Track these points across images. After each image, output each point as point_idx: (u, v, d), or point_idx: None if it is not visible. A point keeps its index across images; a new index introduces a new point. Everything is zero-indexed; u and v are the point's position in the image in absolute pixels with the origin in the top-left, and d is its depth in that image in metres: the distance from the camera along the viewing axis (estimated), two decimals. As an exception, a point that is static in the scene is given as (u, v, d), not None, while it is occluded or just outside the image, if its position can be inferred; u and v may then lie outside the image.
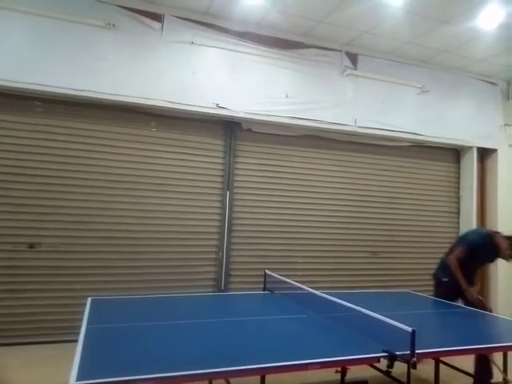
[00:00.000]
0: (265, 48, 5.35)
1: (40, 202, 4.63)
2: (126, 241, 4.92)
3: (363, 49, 5.84)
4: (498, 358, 3.42)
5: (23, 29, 4.40)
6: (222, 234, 5.33)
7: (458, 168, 6.78)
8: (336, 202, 5.95)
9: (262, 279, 4.35)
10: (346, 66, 5.77)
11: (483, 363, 3.53)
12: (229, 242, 5.34)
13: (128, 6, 4.76)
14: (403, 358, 2.25)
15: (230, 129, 5.44)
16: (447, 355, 2.82)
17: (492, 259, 4.34)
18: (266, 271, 4.35)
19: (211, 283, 5.27)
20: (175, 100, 4.89)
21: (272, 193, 5.61)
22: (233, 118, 5.26)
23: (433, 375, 3.27)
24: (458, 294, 4.10)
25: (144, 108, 4.95)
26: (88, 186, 4.81)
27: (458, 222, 6.67)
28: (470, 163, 6.57)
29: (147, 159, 5.06)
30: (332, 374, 3.15)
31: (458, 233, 6.63)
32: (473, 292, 3.98)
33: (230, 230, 5.35)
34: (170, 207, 5.12)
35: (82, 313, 2.95)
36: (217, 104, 5.08)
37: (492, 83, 6.69)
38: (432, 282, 4.49)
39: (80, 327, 2.60)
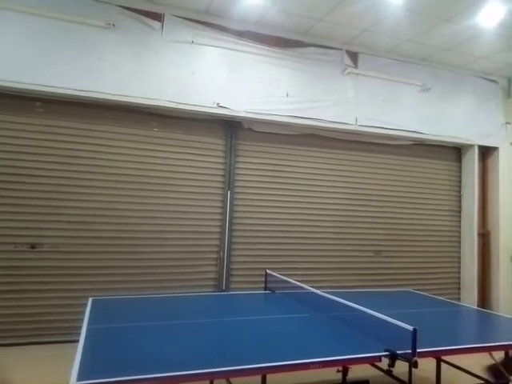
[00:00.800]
0: (265, 47, 5.35)
1: (41, 203, 4.64)
2: (127, 241, 4.92)
3: (364, 47, 5.83)
4: (499, 356, 3.41)
5: (24, 29, 4.40)
6: (223, 233, 5.32)
7: (460, 166, 6.76)
8: (337, 201, 5.94)
9: (263, 279, 4.35)
10: (346, 65, 5.76)
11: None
12: (230, 242, 5.34)
13: (128, 5, 4.76)
14: (405, 357, 2.24)
15: (230, 128, 5.44)
16: (449, 354, 2.81)
17: None
18: (267, 271, 4.35)
19: (212, 283, 5.27)
20: (176, 100, 4.89)
21: (273, 192, 5.61)
22: (233, 117, 5.25)
23: (434, 374, 3.27)
24: None
25: (144, 108, 4.95)
26: (89, 187, 4.81)
27: (460, 221, 6.66)
28: (472, 161, 6.56)
29: (148, 159, 5.06)
30: (333, 373, 3.15)
31: (459, 231, 6.64)
32: None
33: (230, 230, 5.35)
34: (170, 207, 5.12)
35: (83, 313, 2.95)
36: (217, 103, 5.07)
37: (493, 81, 6.67)
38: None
39: (81, 327, 2.60)
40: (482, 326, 3.50)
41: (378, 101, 5.90)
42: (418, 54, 6.01)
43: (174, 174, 5.16)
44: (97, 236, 4.81)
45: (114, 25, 4.68)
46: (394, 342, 2.34)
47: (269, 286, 4.27)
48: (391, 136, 6.09)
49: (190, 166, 5.24)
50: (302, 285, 3.79)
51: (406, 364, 2.33)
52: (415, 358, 2.21)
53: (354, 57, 5.82)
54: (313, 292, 3.56)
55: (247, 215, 5.47)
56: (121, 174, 4.94)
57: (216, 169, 5.37)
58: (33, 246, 4.59)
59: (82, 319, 2.80)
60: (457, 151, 6.76)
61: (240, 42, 5.23)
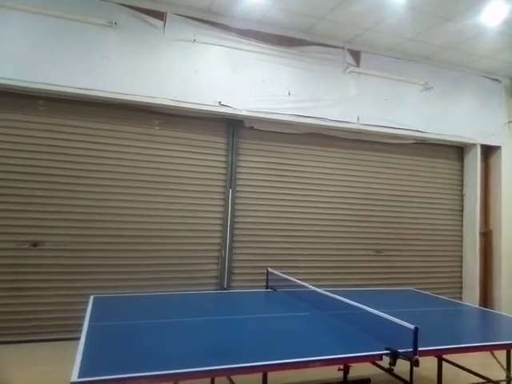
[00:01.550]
0: (267, 45, 5.34)
1: (43, 201, 4.65)
2: (128, 239, 4.93)
3: (366, 46, 5.81)
4: (501, 355, 3.40)
5: (26, 28, 4.41)
6: (224, 231, 5.33)
7: (462, 165, 6.75)
8: (339, 200, 5.94)
9: (265, 277, 4.35)
10: (348, 64, 5.75)
11: None
12: (231, 240, 5.34)
13: (130, 4, 4.76)
14: (406, 356, 2.24)
15: (232, 127, 5.44)
16: (450, 353, 2.80)
17: None
18: (269, 269, 4.35)
19: (214, 281, 5.28)
20: (178, 98, 4.89)
21: (275, 191, 5.61)
22: (235, 115, 5.25)
23: (435, 373, 3.27)
24: None
25: (147, 106, 4.95)
26: (91, 185, 4.82)
27: (462, 220, 6.65)
28: (474, 161, 6.55)
29: (150, 157, 5.07)
30: (335, 371, 3.16)
31: (461, 230, 6.63)
32: None
33: (232, 228, 5.35)
34: (172, 205, 5.12)
35: (85, 311, 2.96)
36: (219, 102, 5.07)
37: (496, 80, 6.65)
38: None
39: (82, 325, 2.61)
40: (483, 324, 3.49)
41: (380, 100, 5.89)
42: (421, 53, 6.00)
43: (176, 172, 5.17)
44: (98, 234, 4.82)
45: (116, 23, 4.68)
46: (395, 340, 2.34)
47: (270, 284, 4.28)
48: (393, 135, 6.08)
49: (191, 165, 5.24)
50: (304, 283, 3.79)
51: (408, 363, 2.33)
52: (416, 356, 2.21)
53: (356, 55, 5.81)
54: (314, 290, 3.56)
55: (249, 214, 5.47)
56: (122, 173, 4.95)
57: (218, 167, 5.37)
58: (35, 244, 4.60)
59: (84, 317, 2.80)
60: (459, 150, 6.74)
61: (242, 40, 5.23)
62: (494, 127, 6.57)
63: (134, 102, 4.80)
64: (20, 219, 4.55)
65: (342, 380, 3.34)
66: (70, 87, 4.51)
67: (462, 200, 6.69)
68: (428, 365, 2.94)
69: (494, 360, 3.22)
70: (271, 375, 2.38)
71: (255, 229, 5.49)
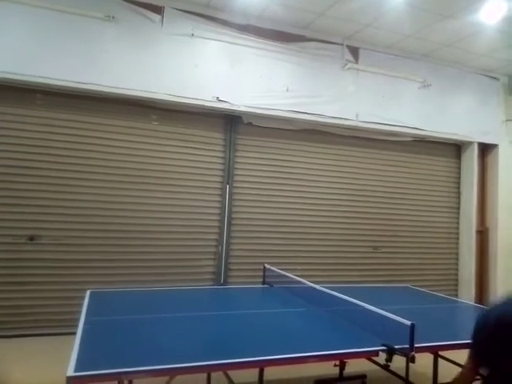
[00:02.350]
0: (265, 41, 5.32)
1: (40, 195, 4.63)
2: (125, 234, 4.92)
3: (364, 42, 5.80)
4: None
5: (23, 21, 4.37)
6: (221, 227, 5.32)
7: (459, 163, 6.76)
8: (336, 197, 5.94)
9: (262, 273, 4.35)
10: (347, 60, 5.74)
11: None
12: (228, 236, 5.34)
13: (128, -3, 4.74)
14: (402, 352, 2.24)
15: (230, 122, 5.42)
16: (446, 349, 2.81)
17: None
18: (266, 265, 4.35)
19: (211, 276, 5.28)
20: (175, 93, 4.87)
21: (272, 187, 5.60)
22: (233, 111, 5.23)
23: (431, 369, 3.28)
24: None
25: (145, 101, 4.93)
26: (88, 179, 4.80)
27: (458, 217, 6.67)
28: (471, 158, 6.56)
29: (148, 152, 5.05)
30: (331, 367, 3.16)
31: (457, 228, 6.65)
32: None
33: (229, 224, 5.35)
34: (170, 200, 5.11)
35: (81, 305, 2.95)
36: (217, 97, 5.05)
37: (494, 78, 6.66)
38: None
39: (79, 320, 2.60)
40: (479, 322, 3.50)
41: (378, 96, 5.89)
42: (419, 50, 5.99)
43: (173, 167, 5.15)
44: (95, 229, 4.81)
45: (113, 17, 4.65)
46: (391, 336, 2.34)
47: (267, 280, 4.28)
48: (391, 132, 6.07)
49: (189, 160, 5.23)
50: (300, 279, 3.80)
51: (404, 359, 2.34)
52: (413, 352, 2.21)
53: (354, 52, 5.80)
54: (311, 286, 3.56)
55: (246, 210, 5.47)
56: (120, 167, 4.93)
57: (215, 163, 5.36)
58: (31, 239, 4.58)
59: (80, 311, 2.80)
60: (456, 148, 6.76)
61: (241, 35, 5.20)
62: (492, 125, 6.58)
63: (131, 96, 4.78)
64: (16, 213, 4.54)
65: (337, 376, 3.34)
66: (68, 81, 4.48)
67: (459, 198, 6.71)
68: (424, 361, 2.95)
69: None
70: (267, 370, 2.38)
71: (252, 225, 5.49)
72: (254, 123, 5.51)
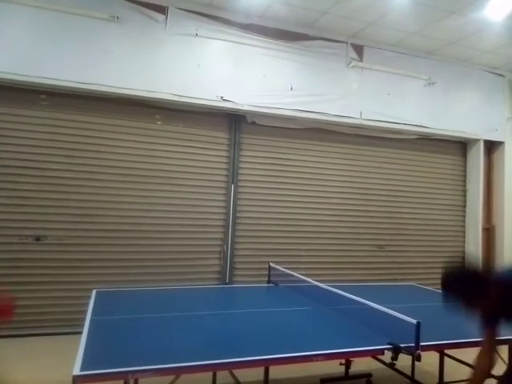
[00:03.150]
0: (269, 40, 5.31)
1: (46, 195, 4.65)
2: (131, 233, 4.94)
3: (369, 40, 5.78)
4: (503, 351, 3.40)
5: (27, 22, 4.40)
6: (226, 226, 5.33)
7: (465, 161, 6.72)
8: (341, 195, 5.92)
9: (267, 272, 4.35)
10: (351, 58, 5.72)
11: None
12: (233, 235, 5.34)
13: (132, -2, 4.75)
14: (408, 351, 2.24)
15: (234, 122, 5.42)
16: (452, 348, 2.80)
17: None
18: (271, 264, 4.35)
19: (216, 276, 5.28)
20: (179, 93, 4.87)
21: (277, 186, 5.60)
22: (237, 110, 5.23)
23: (437, 368, 3.27)
24: None
25: (149, 101, 4.94)
26: (93, 179, 4.82)
27: (464, 216, 6.63)
28: (477, 156, 6.52)
29: (152, 152, 5.06)
30: (336, 366, 3.16)
31: (463, 226, 6.61)
32: None
33: (234, 223, 5.35)
34: (174, 200, 5.12)
35: (87, 305, 2.97)
36: (221, 97, 5.05)
37: (499, 75, 6.61)
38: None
39: (85, 319, 2.61)
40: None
41: (383, 94, 5.87)
42: (424, 48, 5.96)
43: (178, 167, 5.16)
44: (101, 229, 4.83)
45: (117, 17, 4.66)
46: (396, 335, 2.33)
47: (272, 279, 4.28)
48: (396, 130, 6.05)
49: (193, 160, 5.24)
50: (306, 278, 3.79)
51: (409, 357, 2.34)
52: (418, 351, 2.21)
53: (359, 50, 5.78)
54: (316, 285, 3.56)
55: (251, 209, 5.47)
56: (124, 167, 4.95)
57: (220, 162, 5.36)
58: (37, 239, 4.61)
59: (86, 311, 2.81)
60: (462, 146, 6.72)
61: (244, 34, 5.20)
62: (498, 122, 6.54)
63: (135, 96, 4.79)
64: (22, 214, 4.56)
65: (343, 374, 3.34)
66: (72, 81, 4.50)
67: (465, 195, 6.67)
68: (429, 360, 2.94)
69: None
70: (273, 369, 2.38)
71: (257, 224, 5.49)
72: (258, 122, 5.51)
